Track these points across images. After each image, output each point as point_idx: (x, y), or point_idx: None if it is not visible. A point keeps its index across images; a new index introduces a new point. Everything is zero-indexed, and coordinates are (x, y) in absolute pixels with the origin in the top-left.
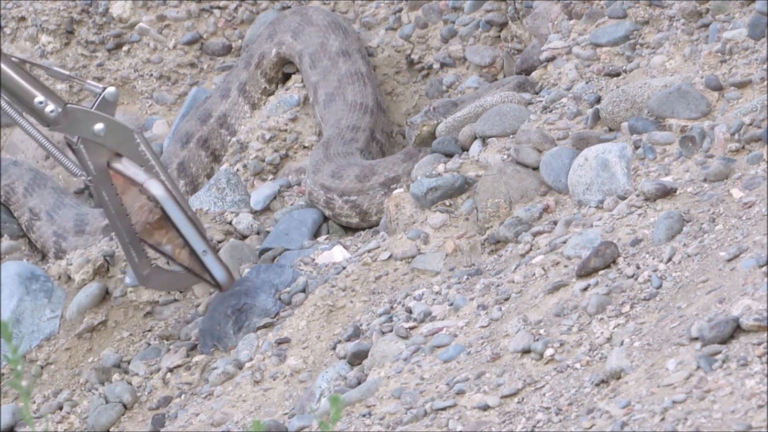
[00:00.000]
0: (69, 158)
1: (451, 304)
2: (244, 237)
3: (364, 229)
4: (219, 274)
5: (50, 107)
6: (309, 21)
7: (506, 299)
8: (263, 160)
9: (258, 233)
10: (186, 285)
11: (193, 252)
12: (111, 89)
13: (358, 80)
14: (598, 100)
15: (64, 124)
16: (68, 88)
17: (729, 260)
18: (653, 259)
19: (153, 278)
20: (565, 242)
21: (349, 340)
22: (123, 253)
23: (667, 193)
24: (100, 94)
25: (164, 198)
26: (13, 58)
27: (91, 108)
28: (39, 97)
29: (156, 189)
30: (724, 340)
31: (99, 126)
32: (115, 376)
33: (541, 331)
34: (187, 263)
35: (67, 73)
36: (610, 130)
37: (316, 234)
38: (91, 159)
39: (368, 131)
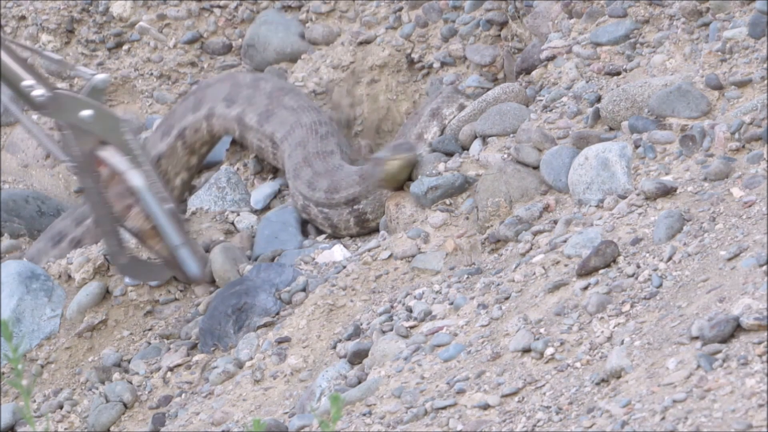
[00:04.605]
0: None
1: (452, 303)
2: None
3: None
4: (191, 268)
5: (38, 91)
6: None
7: (506, 298)
8: (263, 159)
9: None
10: (162, 277)
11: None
12: (101, 76)
13: (288, 92)
14: (599, 99)
15: (51, 108)
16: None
17: (729, 259)
18: (653, 258)
19: (130, 268)
20: (565, 241)
21: (349, 339)
22: (103, 241)
23: (667, 192)
24: (90, 81)
25: (143, 189)
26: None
27: (80, 94)
28: (27, 81)
29: (136, 180)
30: (725, 339)
31: (87, 112)
32: (116, 375)
33: (542, 330)
34: (165, 254)
35: (58, 57)
36: (611, 129)
37: (303, 232)
38: (78, 145)
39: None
